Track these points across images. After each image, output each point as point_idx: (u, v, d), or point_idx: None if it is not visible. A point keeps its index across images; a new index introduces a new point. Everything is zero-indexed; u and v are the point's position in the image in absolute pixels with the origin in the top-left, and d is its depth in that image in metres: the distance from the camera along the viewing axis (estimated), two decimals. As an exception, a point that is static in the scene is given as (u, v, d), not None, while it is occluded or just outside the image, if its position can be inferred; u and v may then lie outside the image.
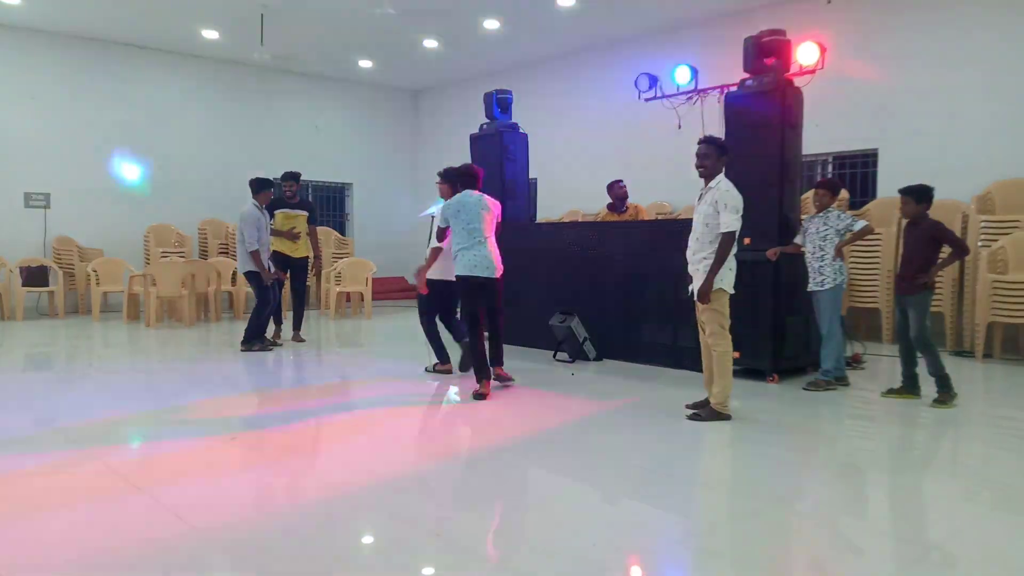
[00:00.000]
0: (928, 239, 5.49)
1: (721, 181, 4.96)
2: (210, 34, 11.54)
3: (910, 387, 5.64)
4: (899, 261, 5.81)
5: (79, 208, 11.68)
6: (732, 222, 4.83)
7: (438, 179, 6.57)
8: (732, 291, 4.97)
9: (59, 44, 11.50)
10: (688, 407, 5.23)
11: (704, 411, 5.01)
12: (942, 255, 5.56)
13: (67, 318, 10.86)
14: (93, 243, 11.68)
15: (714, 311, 4.95)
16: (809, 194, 8.96)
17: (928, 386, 5.53)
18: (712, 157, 4.98)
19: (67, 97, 11.62)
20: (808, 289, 6.10)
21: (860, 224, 6.00)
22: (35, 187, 11.38)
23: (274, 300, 8.01)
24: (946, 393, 5.40)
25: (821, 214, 6.07)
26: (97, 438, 4.53)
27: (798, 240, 6.18)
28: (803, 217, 6.40)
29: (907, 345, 5.61)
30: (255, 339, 7.90)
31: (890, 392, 5.71)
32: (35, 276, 10.65)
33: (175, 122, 12.63)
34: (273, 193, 8.12)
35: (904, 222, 5.76)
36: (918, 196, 5.53)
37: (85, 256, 11.38)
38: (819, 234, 6.02)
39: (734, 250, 4.97)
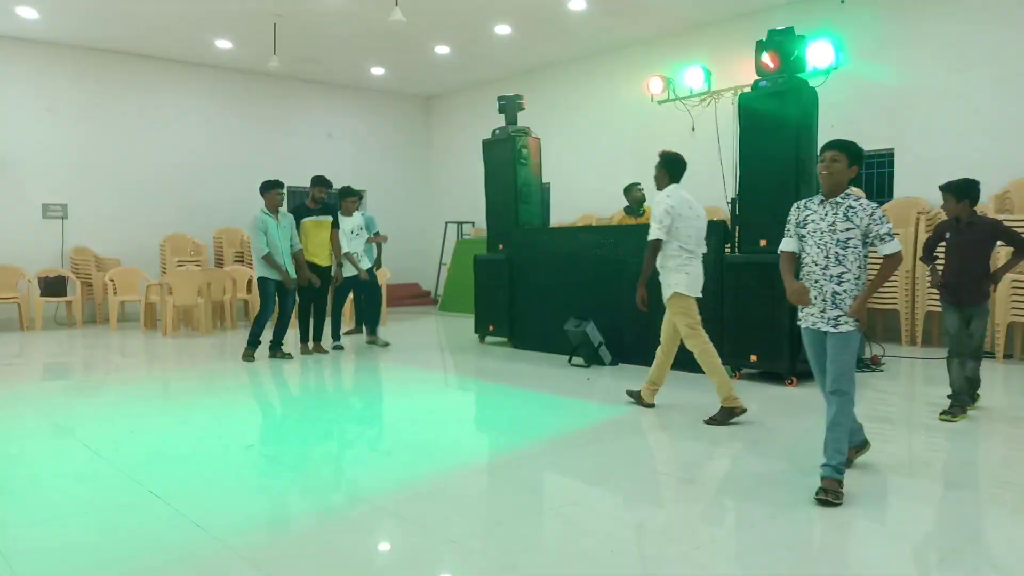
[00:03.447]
0: (987, 240, 5.02)
1: (661, 193, 5.33)
2: (224, 44, 11.64)
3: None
4: (950, 268, 5.12)
5: (96, 218, 11.81)
6: (653, 231, 5.18)
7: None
8: (691, 294, 5.19)
9: (75, 56, 11.65)
10: (629, 393, 5.61)
11: (718, 414, 4.99)
12: (996, 257, 5.25)
13: (85, 327, 10.96)
14: (110, 253, 11.80)
15: (678, 315, 5.23)
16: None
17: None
18: (656, 170, 5.39)
19: (84, 108, 11.77)
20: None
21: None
22: (53, 198, 11.52)
23: (285, 310, 7.88)
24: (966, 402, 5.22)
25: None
26: (115, 447, 4.56)
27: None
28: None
29: (965, 356, 5.12)
30: (254, 346, 7.79)
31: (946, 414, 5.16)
32: (53, 286, 10.75)
33: (189, 131, 12.76)
34: (279, 191, 7.67)
35: (955, 223, 5.11)
36: (958, 193, 5.03)
37: (102, 266, 11.49)
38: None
39: (700, 256, 5.24)
